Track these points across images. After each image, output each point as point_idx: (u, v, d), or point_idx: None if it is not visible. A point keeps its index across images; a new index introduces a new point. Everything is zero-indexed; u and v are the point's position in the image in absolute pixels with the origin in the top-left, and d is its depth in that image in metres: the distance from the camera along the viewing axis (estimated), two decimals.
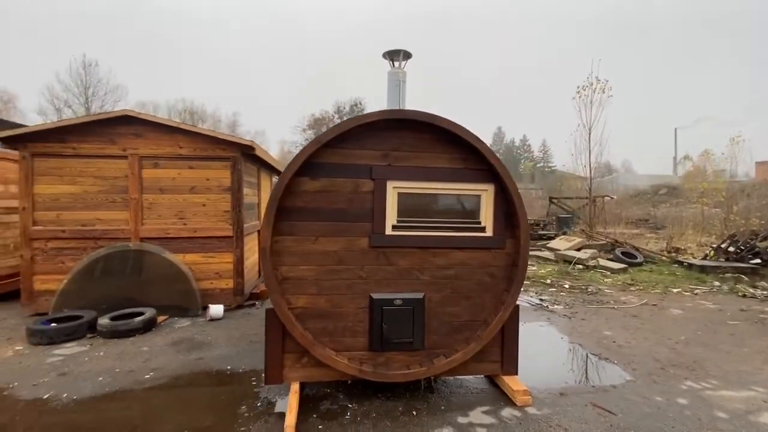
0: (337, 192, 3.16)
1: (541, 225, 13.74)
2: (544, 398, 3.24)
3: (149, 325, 4.84)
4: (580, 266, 9.06)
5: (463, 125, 3.14)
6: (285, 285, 3.12)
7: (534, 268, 9.25)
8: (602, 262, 9.18)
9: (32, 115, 36.13)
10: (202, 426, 2.83)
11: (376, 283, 3.22)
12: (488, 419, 2.90)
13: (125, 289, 5.32)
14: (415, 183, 3.24)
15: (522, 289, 6.38)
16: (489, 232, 3.32)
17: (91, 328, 4.65)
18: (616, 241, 10.70)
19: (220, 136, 5.73)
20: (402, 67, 5.04)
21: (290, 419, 2.68)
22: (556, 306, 6.10)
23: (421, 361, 3.28)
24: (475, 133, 3.16)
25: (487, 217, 3.32)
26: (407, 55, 5.06)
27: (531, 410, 3.03)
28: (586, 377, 3.68)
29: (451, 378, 3.56)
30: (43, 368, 3.74)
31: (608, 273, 8.55)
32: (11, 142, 5.26)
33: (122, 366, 3.80)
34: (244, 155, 5.85)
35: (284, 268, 3.12)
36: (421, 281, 3.26)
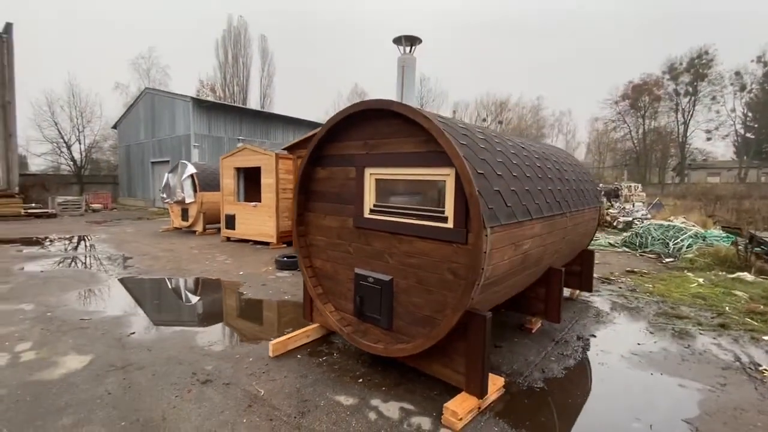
0: (336, 179, 3.78)
1: None
2: None
3: None
4: None
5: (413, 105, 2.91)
6: (310, 249, 4.12)
7: None
8: None
9: None
10: (266, 323, 4.43)
11: (359, 260, 3.61)
12: (394, 415, 2.79)
13: None
14: (388, 169, 3.34)
15: (746, 330, 4.62)
16: (450, 224, 2.90)
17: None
18: None
19: None
20: (411, 52, 4.15)
21: (276, 341, 3.76)
22: None
23: (387, 341, 3.40)
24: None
25: (449, 206, 2.91)
26: (412, 40, 4.10)
27: None
28: None
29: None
30: (263, 280, 6.56)
31: None
32: (289, 149, 8.82)
33: (298, 289, 6.03)
34: None
35: (309, 237, 4.12)
36: (390, 265, 3.35)
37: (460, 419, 2.66)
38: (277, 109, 37.33)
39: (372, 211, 3.47)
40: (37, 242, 10.41)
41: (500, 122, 48.11)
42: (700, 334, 4.44)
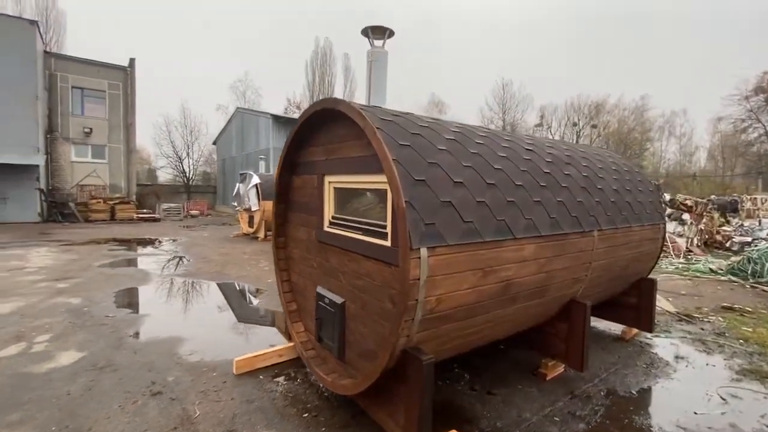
0: (306, 187, 3.50)
1: None
2: None
3: None
4: None
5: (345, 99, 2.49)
6: (288, 262, 3.89)
7: None
8: None
9: None
10: (257, 336, 4.32)
11: (321, 277, 3.27)
12: None
13: None
14: (342, 176, 2.97)
15: None
16: (389, 241, 2.40)
17: None
18: None
19: None
20: (381, 45, 3.38)
21: (241, 358, 3.57)
22: None
23: (340, 373, 2.98)
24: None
25: (389, 220, 2.42)
26: (381, 31, 3.32)
27: None
28: None
29: None
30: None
31: None
32: None
33: None
34: None
35: (288, 249, 3.90)
36: (342, 286, 2.95)
37: None
38: None
39: (331, 224, 3.10)
40: (130, 242, 12.07)
41: (594, 126, 43.24)
42: None
